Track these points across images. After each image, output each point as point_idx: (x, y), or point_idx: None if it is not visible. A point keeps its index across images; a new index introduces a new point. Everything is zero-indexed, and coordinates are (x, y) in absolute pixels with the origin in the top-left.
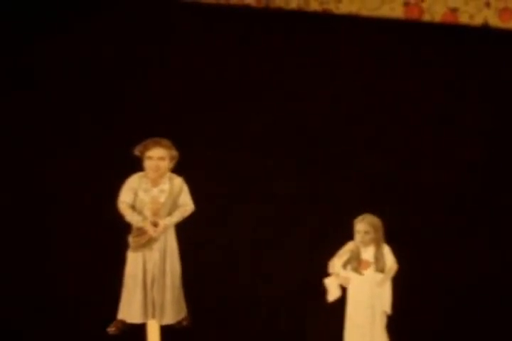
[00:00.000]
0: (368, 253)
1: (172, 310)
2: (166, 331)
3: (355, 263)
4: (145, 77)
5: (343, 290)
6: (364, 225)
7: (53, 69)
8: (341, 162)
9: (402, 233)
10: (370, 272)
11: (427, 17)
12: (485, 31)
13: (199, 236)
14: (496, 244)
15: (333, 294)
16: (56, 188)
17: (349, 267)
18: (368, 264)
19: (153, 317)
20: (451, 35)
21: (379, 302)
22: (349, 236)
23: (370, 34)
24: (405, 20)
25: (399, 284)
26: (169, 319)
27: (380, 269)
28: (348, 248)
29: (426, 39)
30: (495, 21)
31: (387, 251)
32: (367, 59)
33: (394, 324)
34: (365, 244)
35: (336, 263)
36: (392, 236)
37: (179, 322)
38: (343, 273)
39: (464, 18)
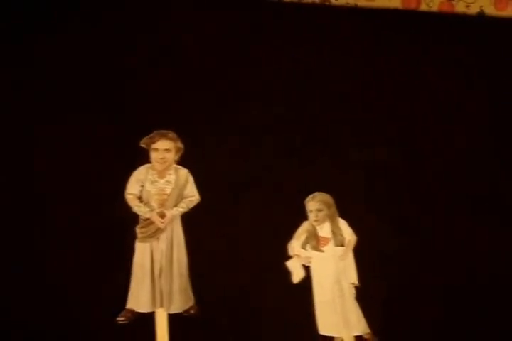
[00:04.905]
0: (324, 230)
1: (180, 298)
2: (173, 319)
3: (314, 241)
4: (151, 69)
5: (307, 270)
6: (316, 203)
7: (56, 64)
8: (347, 157)
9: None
10: (330, 248)
11: (423, 7)
12: (481, 20)
13: (205, 226)
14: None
15: (297, 275)
16: (64, 180)
17: (308, 246)
18: (326, 240)
19: (162, 306)
20: (448, 24)
21: (345, 275)
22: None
23: (368, 24)
24: (403, 10)
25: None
26: (177, 308)
27: (340, 243)
28: (304, 228)
29: (423, 28)
30: (490, 10)
31: (343, 225)
32: (365, 49)
33: (364, 294)
34: (320, 221)
35: (294, 245)
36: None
37: (187, 311)
38: (303, 253)
39: (460, 7)
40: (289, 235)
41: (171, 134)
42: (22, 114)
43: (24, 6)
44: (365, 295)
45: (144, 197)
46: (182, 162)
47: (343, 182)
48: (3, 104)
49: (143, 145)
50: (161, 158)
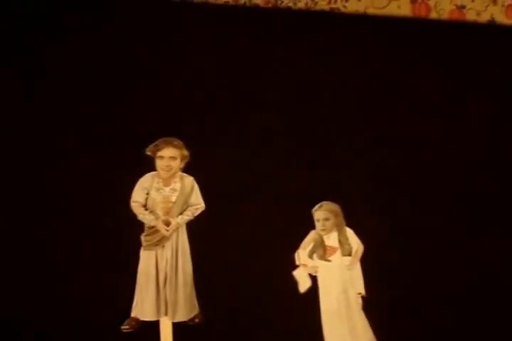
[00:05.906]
0: (331, 240)
1: (184, 307)
2: (178, 328)
3: (321, 250)
4: (155, 76)
5: (314, 279)
6: (323, 213)
7: (60, 68)
8: (350, 161)
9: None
10: (337, 257)
11: (434, 14)
12: (492, 28)
13: (210, 234)
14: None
15: (303, 285)
16: (69, 188)
17: (315, 256)
18: (333, 250)
19: (166, 314)
20: (459, 32)
21: (351, 285)
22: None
23: (378, 32)
24: (413, 18)
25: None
26: (182, 316)
27: (347, 253)
28: (311, 237)
29: (433, 36)
30: (501, 18)
31: (350, 234)
32: (374, 56)
33: (371, 305)
34: (327, 230)
35: (301, 254)
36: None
37: (191, 319)
38: (310, 262)
39: (470, 16)
40: (295, 244)
41: (177, 142)
42: (22, 115)
43: (24, 6)
44: (371, 306)
45: (149, 204)
46: (187, 170)
47: (350, 191)
48: (3, 105)
49: (148, 153)
50: (167, 166)
